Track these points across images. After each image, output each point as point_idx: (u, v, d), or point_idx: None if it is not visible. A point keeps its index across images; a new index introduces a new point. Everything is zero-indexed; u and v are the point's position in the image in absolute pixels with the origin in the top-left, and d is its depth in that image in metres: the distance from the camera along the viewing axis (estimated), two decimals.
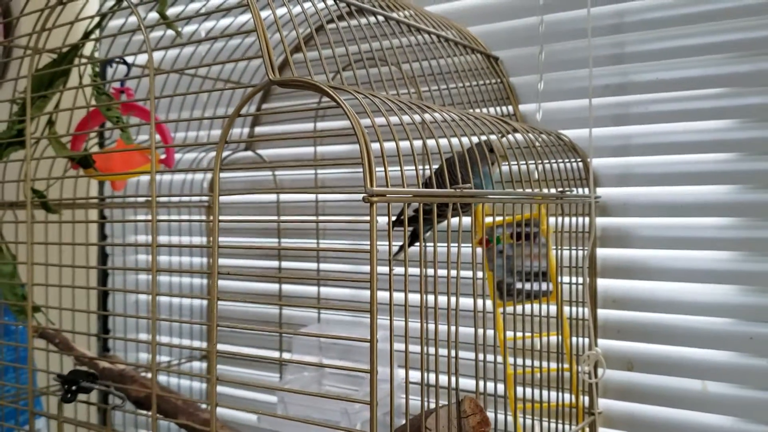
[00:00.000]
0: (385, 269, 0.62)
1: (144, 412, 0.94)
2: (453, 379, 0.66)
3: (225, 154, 1.29)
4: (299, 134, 1.19)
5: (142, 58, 1.11)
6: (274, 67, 0.61)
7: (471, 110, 0.87)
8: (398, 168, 0.60)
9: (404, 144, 0.59)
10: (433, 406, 0.67)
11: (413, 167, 0.62)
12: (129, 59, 1.00)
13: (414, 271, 1.02)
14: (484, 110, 1.01)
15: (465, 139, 0.73)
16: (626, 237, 0.94)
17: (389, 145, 0.58)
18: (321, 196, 1.20)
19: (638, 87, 0.93)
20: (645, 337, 0.92)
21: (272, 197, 1.25)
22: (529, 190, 0.77)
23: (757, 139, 0.85)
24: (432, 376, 0.65)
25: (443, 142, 0.67)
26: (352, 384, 1.11)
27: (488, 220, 1.00)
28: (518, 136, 0.80)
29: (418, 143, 0.62)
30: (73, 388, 0.72)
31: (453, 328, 0.67)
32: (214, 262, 0.64)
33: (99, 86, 0.92)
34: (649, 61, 0.92)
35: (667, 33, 0.90)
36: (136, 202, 1.23)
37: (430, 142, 0.65)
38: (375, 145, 0.56)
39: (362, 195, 0.56)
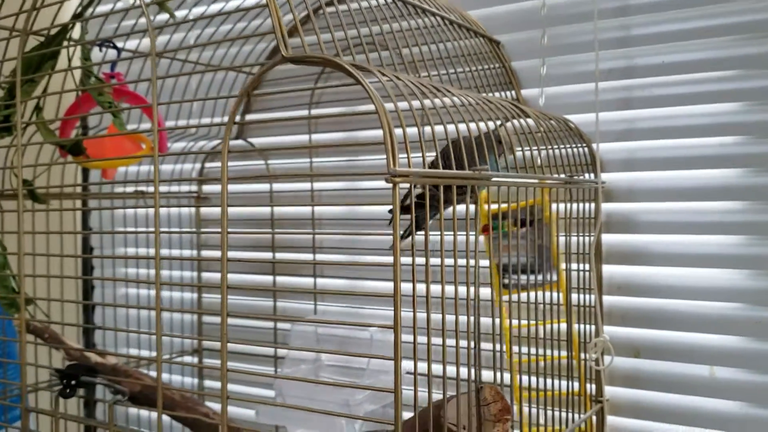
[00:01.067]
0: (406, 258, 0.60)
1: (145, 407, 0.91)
2: (469, 368, 0.64)
3: (214, 143, 1.26)
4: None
5: (131, 44, 1.08)
6: (287, 43, 0.58)
7: (483, 95, 0.85)
8: (419, 153, 0.58)
9: (424, 128, 0.57)
10: (441, 396, 0.66)
11: (432, 152, 0.60)
12: (119, 43, 0.97)
13: (419, 260, 1.00)
14: (489, 95, 0.99)
15: (474, 126, 0.71)
16: (631, 222, 0.93)
17: (410, 129, 0.56)
18: (315, 185, 1.18)
19: (643, 70, 0.91)
20: (651, 324, 0.92)
21: (263, 186, 1.22)
22: (540, 175, 0.76)
23: (764, 122, 0.85)
24: (446, 366, 0.64)
25: (462, 126, 0.65)
26: (350, 376, 1.09)
27: (489, 207, 0.99)
28: (530, 121, 0.79)
29: (439, 128, 0.61)
30: (73, 383, 0.69)
31: (471, 318, 0.64)
32: (223, 255, 0.62)
33: (89, 70, 0.89)
34: (654, 44, 0.91)
35: (672, 15, 0.89)
36: (125, 193, 1.20)
37: (451, 127, 0.63)
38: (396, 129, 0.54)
39: (384, 176, 0.53)
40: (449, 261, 1.04)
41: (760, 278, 0.85)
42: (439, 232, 1.05)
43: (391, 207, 0.97)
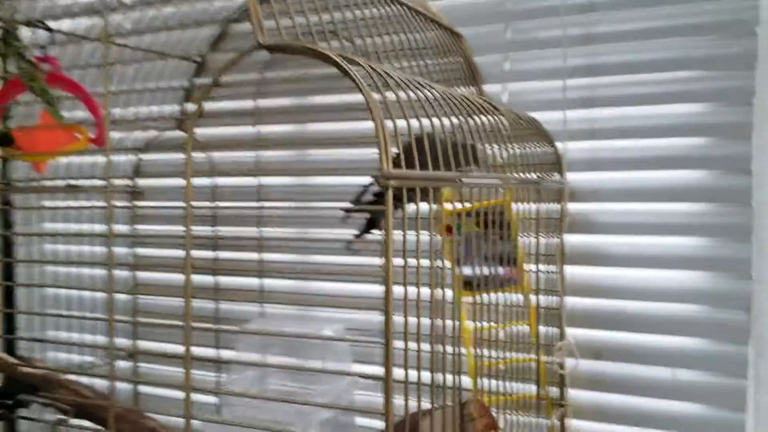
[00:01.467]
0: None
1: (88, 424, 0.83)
2: (454, 377, 0.60)
3: (152, 135, 1.18)
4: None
5: (64, 25, 0.99)
6: (263, 29, 0.53)
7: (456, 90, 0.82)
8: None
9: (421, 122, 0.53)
10: (420, 407, 0.62)
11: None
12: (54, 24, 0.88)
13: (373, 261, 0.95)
14: (458, 90, 0.96)
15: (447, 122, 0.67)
16: (594, 223, 0.91)
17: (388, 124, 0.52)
18: (262, 181, 1.12)
19: (607, 69, 0.90)
20: (613, 325, 0.90)
21: (203, 181, 1.16)
22: (516, 175, 0.73)
23: (727, 124, 0.84)
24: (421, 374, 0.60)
25: (447, 122, 0.61)
26: (303, 381, 1.04)
27: (450, 207, 0.96)
28: (503, 119, 0.75)
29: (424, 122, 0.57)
30: (10, 403, 0.61)
31: (451, 322, 0.61)
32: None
33: (21, 53, 0.81)
34: (618, 42, 0.89)
35: (637, 14, 0.88)
36: (57, 187, 1.11)
37: (425, 122, 0.59)
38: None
39: (375, 177, 0.49)
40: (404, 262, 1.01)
41: (722, 280, 0.85)
42: (398, 232, 1.02)
43: (347, 205, 0.93)
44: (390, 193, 0.49)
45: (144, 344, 1.19)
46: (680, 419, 0.87)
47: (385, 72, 0.54)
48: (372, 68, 0.52)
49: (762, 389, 0.83)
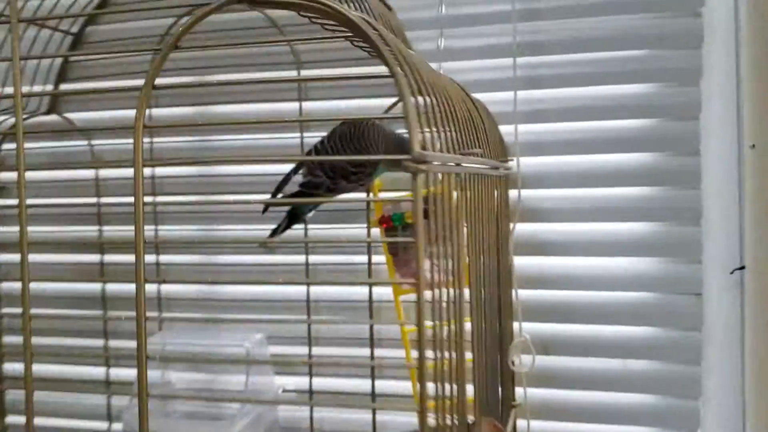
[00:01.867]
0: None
1: None
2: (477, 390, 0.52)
3: (11, 120, 0.99)
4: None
5: None
6: None
7: None
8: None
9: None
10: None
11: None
12: None
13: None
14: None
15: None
16: (537, 210, 0.86)
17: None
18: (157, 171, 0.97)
19: (550, 47, 0.85)
20: (560, 317, 0.86)
21: (86, 173, 0.99)
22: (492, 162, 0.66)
23: (676, 105, 0.82)
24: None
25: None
26: (218, 403, 0.91)
27: (386, 196, 0.87)
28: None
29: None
30: None
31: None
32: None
33: None
34: (564, 19, 0.84)
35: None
36: None
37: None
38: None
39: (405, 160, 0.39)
40: (342, 258, 0.92)
41: (672, 264, 0.83)
42: (321, 226, 0.92)
43: (266, 200, 0.82)
44: (419, 181, 0.40)
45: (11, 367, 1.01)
46: (633, 411, 0.84)
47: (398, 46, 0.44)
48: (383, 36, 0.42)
49: (712, 375, 0.82)
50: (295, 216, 0.85)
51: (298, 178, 0.84)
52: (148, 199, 0.97)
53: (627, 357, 0.84)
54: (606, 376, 0.85)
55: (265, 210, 0.85)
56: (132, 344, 0.92)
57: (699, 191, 0.81)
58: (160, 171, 0.97)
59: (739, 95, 0.81)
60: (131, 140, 0.93)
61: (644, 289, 0.83)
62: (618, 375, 0.84)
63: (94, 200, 0.98)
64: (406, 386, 0.86)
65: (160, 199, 0.96)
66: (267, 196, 0.82)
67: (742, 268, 0.79)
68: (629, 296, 0.84)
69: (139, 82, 0.92)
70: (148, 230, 0.96)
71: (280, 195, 0.82)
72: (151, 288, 0.97)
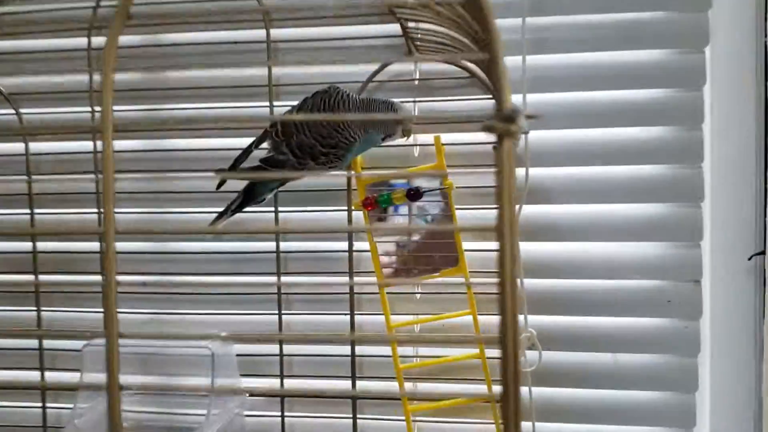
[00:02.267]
0: None
1: None
2: None
3: None
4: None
5: None
6: None
7: None
8: None
9: None
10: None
11: None
12: None
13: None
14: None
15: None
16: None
17: None
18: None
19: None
20: (546, 309, 0.77)
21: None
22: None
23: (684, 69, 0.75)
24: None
25: None
26: (179, 405, 0.80)
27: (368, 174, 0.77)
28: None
29: None
30: None
31: None
32: None
33: None
34: None
35: None
36: None
37: None
38: None
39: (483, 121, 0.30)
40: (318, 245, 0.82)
41: (671, 249, 0.76)
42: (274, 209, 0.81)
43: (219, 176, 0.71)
44: (507, 148, 0.30)
45: None
46: (624, 410, 0.77)
47: None
48: None
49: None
50: (251, 195, 0.75)
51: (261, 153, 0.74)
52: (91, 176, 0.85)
53: (617, 351, 0.77)
54: (594, 372, 0.78)
55: (219, 186, 0.75)
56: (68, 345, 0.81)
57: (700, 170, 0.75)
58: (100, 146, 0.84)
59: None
60: (66, 109, 0.81)
61: (640, 275, 0.76)
62: (607, 370, 0.77)
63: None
64: (391, 386, 0.77)
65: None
66: None
67: (762, 253, 0.73)
68: (622, 285, 0.77)
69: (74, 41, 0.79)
70: (89, 213, 0.84)
71: None
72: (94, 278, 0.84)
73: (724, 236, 0.76)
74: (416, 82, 0.79)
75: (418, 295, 0.80)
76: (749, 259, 0.74)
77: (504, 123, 0.30)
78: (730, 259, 0.76)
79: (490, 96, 0.74)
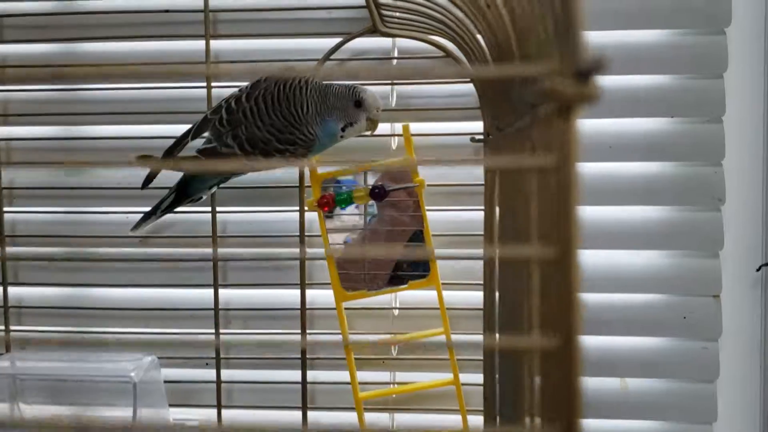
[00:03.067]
0: None
1: None
2: None
3: None
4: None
5: None
6: None
7: None
8: None
9: None
10: None
11: None
12: None
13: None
14: None
15: None
16: None
17: None
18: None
19: None
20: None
21: None
22: None
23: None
24: None
25: None
26: None
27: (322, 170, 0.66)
28: None
29: None
30: None
31: None
32: None
33: None
34: None
35: None
36: None
37: None
38: None
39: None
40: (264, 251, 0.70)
41: (686, 258, 0.67)
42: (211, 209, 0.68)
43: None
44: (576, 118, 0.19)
45: None
46: None
47: None
48: None
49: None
50: (184, 192, 0.63)
51: (198, 144, 0.63)
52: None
53: (626, 375, 0.67)
54: (599, 399, 0.68)
55: (147, 182, 0.63)
56: None
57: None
58: (3, 132, 0.71)
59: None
60: None
61: (652, 290, 0.67)
62: (614, 397, 0.68)
63: None
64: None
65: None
66: None
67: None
68: (632, 299, 0.67)
69: None
70: None
71: None
72: None
73: (734, 245, 0.67)
74: (395, 62, 0.68)
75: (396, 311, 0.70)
76: (758, 270, 0.65)
77: (578, 82, 0.19)
78: (738, 271, 0.67)
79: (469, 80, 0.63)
